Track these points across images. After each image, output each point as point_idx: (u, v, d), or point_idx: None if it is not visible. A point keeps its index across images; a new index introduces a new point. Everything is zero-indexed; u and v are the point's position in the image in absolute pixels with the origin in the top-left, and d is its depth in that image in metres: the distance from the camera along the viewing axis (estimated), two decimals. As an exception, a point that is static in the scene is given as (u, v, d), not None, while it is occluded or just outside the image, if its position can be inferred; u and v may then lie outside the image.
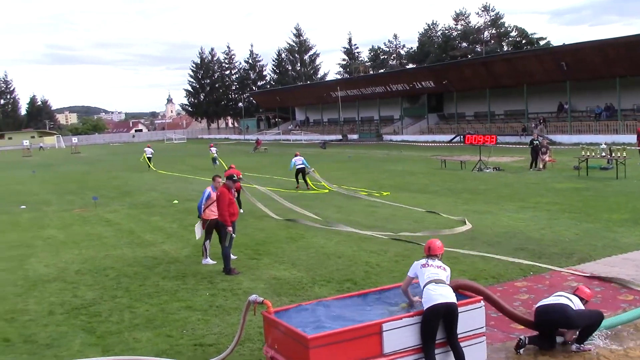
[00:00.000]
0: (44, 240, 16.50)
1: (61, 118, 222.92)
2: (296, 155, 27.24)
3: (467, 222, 15.82)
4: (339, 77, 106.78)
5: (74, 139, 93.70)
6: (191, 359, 7.64)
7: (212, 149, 43.23)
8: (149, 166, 42.26)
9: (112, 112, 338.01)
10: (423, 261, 7.06)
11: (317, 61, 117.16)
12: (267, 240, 14.80)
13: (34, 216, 21.30)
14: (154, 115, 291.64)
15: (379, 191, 23.53)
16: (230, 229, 11.87)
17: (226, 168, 38.63)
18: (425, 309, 6.57)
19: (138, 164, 45.70)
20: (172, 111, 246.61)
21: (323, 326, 6.47)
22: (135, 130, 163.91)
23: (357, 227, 15.83)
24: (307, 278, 11.16)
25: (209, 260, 12.70)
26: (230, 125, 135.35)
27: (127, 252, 14.29)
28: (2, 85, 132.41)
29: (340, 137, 75.45)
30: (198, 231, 13.14)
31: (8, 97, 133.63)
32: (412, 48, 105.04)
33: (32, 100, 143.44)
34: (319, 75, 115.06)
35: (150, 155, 43.71)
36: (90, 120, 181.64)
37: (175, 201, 23.23)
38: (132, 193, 27.21)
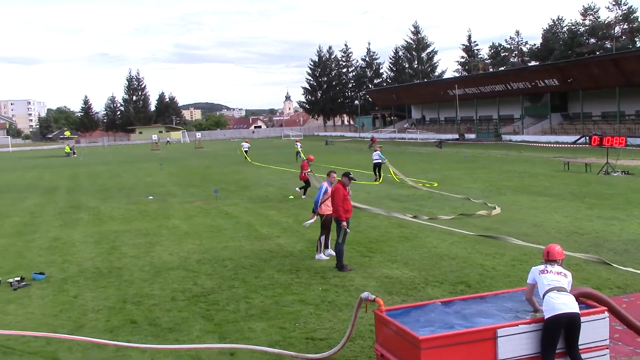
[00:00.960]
0: (169, 229, 17.41)
1: (186, 114, 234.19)
2: (376, 151, 29.43)
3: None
4: (457, 74, 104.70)
5: (198, 134, 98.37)
6: (303, 352, 7.78)
7: (297, 144, 49.26)
8: (246, 158, 47.92)
9: (234, 109, 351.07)
10: (541, 267, 6.78)
11: (435, 59, 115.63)
12: (379, 239, 14.79)
13: (160, 206, 22.53)
14: (272, 112, 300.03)
15: (430, 183, 26.16)
16: (344, 224, 11.96)
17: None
18: (546, 318, 6.30)
19: (256, 159, 47.32)
20: (289, 108, 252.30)
21: (435, 328, 6.38)
22: (255, 127, 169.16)
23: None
24: (420, 278, 11.04)
25: (322, 256, 12.87)
26: (346, 122, 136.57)
27: (244, 245, 14.79)
28: (135, 82, 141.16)
29: (457, 136, 73.95)
30: (308, 222, 13.99)
31: (139, 94, 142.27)
32: (535, 45, 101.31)
33: (161, 97, 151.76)
34: (436, 73, 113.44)
35: (247, 149, 50.03)
36: (213, 117, 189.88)
37: (291, 196, 23.73)
38: (250, 187, 28.10)
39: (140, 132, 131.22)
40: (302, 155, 44.35)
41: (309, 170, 23.90)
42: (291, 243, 14.73)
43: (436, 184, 26.30)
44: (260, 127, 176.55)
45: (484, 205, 19.46)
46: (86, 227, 18.55)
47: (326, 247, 13.17)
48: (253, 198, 24.07)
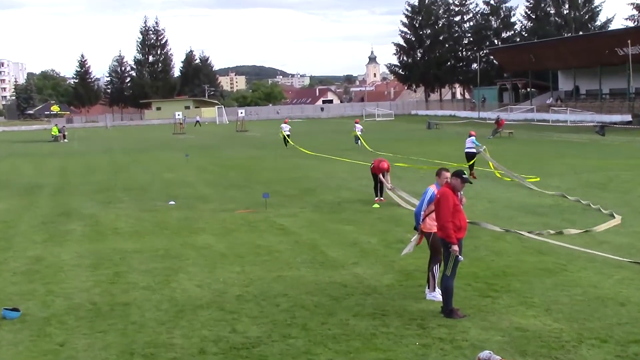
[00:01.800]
0: (197, 250, 17.63)
1: (225, 82, 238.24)
2: (470, 136, 31.04)
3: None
4: (630, 24, 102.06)
5: (240, 112, 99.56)
6: None
7: (357, 125, 53.60)
8: (286, 143, 54.44)
9: (293, 76, 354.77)
10: None
11: (596, 1, 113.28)
12: (507, 271, 14.55)
13: (186, 216, 22.87)
14: (349, 80, 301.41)
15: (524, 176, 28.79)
16: (455, 248, 11.72)
17: (369, 149, 44.12)
18: None
19: (323, 149, 47.53)
20: (375, 75, 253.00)
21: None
22: (324, 102, 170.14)
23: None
24: (570, 333, 10.78)
25: (436, 295, 12.56)
26: (458, 96, 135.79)
27: (306, 274, 14.82)
28: (152, 36, 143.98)
29: (629, 117, 72.20)
30: (409, 247, 13.52)
31: (158, 52, 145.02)
32: None
33: (189, 58, 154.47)
34: (597, 23, 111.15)
35: (289, 133, 56.65)
36: (262, 86, 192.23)
37: (376, 205, 23.69)
38: (315, 190, 28.21)
39: (159, 108, 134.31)
40: (362, 141, 49.37)
41: (390, 186, 24.42)
42: (375, 274, 14.67)
43: (538, 179, 28.79)
44: (331, 101, 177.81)
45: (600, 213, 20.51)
46: (79, 243, 18.99)
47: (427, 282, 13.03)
48: (319, 206, 24.16)
